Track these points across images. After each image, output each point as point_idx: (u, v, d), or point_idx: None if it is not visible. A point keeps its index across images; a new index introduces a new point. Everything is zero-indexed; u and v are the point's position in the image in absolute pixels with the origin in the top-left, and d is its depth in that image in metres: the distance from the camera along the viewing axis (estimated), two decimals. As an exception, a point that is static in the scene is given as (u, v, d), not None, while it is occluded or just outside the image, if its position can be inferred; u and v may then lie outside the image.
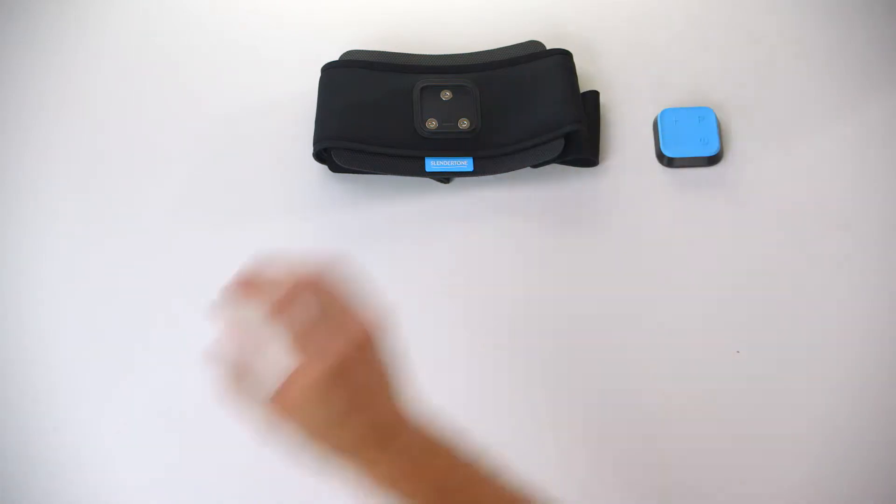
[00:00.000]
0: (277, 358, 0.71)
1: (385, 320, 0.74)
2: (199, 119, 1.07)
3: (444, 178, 1.04)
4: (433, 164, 1.02)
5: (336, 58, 1.07)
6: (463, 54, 1.08)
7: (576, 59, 1.06)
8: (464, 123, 1.03)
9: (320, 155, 1.03)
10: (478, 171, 1.02)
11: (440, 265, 1.01)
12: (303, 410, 0.72)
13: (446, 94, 1.04)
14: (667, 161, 1.04)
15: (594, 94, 1.06)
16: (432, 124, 1.03)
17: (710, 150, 1.03)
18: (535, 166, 1.04)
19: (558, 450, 0.94)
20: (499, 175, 1.03)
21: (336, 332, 0.72)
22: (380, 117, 1.03)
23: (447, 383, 0.96)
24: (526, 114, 1.04)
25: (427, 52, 1.08)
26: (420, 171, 1.02)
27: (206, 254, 1.02)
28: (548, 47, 1.07)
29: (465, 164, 1.02)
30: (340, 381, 0.72)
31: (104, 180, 1.05)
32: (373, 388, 0.75)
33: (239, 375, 0.73)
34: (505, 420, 0.95)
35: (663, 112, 1.05)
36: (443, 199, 1.04)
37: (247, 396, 0.73)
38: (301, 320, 0.72)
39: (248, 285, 0.74)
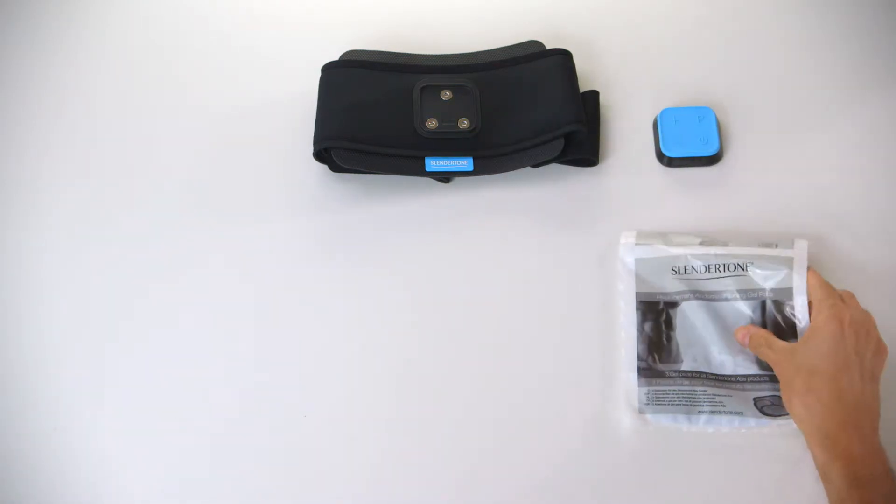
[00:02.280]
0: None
1: None
2: (200, 119, 1.07)
3: (444, 177, 1.04)
4: (433, 164, 1.02)
5: (336, 58, 1.07)
6: (463, 54, 1.08)
7: (576, 59, 1.06)
8: (464, 123, 1.03)
9: (320, 155, 1.03)
10: (478, 170, 1.02)
11: (440, 264, 1.01)
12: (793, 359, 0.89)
13: (446, 94, 1.04)
14: (667, 161, 1.04)
15: (594, 94, 1.06)
16: (432, 124, 1.03)
17: (710, 150, 1.03)
18: (535, 166, 1.04)
19: (563, 434, 0.94)
20: (499, 175, 1.03)
21: (870, 323, 0.91)
22: (380, 117, 1.03)
23: (449, 380, 0.97)
24: (526, 113, 1.03)
25: (427, 52, 1.08)
26: (420, 171, 1.02)
27: (207, 253, 1.02)
28: (548, 47, 1.07)
29: (465, 163, 1.02)
30: (852, 337, 0.88)
31: (104, 180, 1.05)
32: (867, 372, 0.87)
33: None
34: (506, 416, 0.95)
35: (663, 112, 1.05)
36: (443, 199, 1.04)
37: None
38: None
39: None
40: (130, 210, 1.04)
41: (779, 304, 0.95)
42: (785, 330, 0.95)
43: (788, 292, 0.95)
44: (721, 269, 0.97)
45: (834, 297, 0.90)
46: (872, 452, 0.84)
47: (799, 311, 0.95)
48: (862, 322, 0.89)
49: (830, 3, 1.10)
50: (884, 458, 0.84)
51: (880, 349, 0.89)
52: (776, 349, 0.91)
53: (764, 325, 0.95)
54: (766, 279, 0.96)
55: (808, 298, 0.93)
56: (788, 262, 0.96)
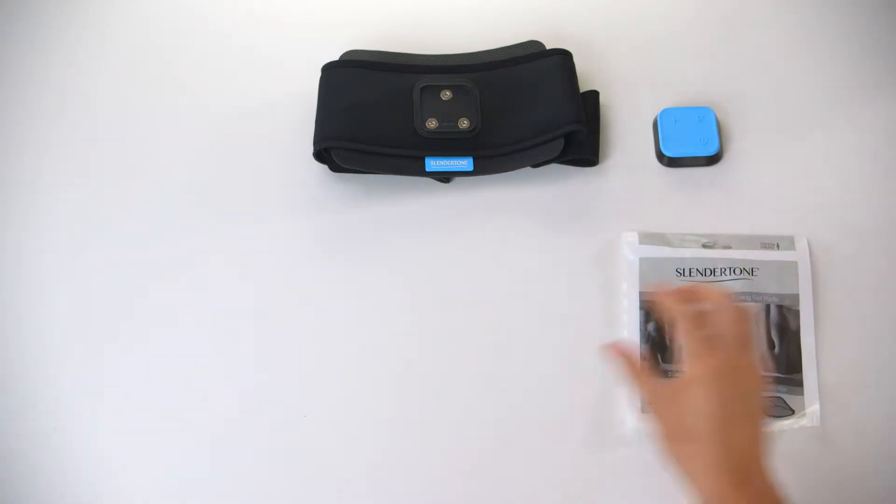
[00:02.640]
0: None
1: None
2: (200, 119, 1.07)
3: (444, 178, 1.04)
4: (433, 164, 1.02)
5: (336, 58, 1.07)
6: (463, 54, 1.08)
7: (576, 59, 1.06)
8: (464, 123, 1.03)
9: (320, 155, 1.03)
10: (478, 170, 1.02)
11: (440, 264, 1.01)
12: (664, 400, 0.80)
13: (446, 94, 1.04)
14: (667, 161, 1.04)
15: (594, 94, 1.06)
16: (432, 124, 1.03)
17: (710, 150, 1.03)
18: (535, 166, 1.04)
19: (565, 434, 0.94)
20: (499, 175, 1.03)
21: (738, 349, 0.79)
22: (380, 117, 1.03)
23: (449, 380, 0.96)
24: (526, 113, 1.03)
25: (427, 52, 1.08)
26: (420, 171, 1.02)
27: (207, 253, 1.01)
28: (548, 47, 1.07)
29: (465, 163, 1.02)
30: (725, 384, 0.78)
31: (104, 180, 1.05)
32: (739, 424, 0.78)
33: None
34: (506, 416, 0.95)
35: (663, 112, 1.05)
36: (443, 199, 1.03)
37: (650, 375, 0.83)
38: (714, 330, 0.80)
39: (688, 291, 0.84)
40: (130, 210, 1.03)
41: (783, 309, 0.96)
42: (789, 335, 0.95)
43: (794, 298, 0.96)
44: (727, 272, 0.97)
45: (694, 339, 0.80)
46: (765, 497, 0.78)
47: (804, 317, 0.96)
48: (729, 356, 0.79)
49: (830, 3, 1.11)
50: (775, 494, 0.78)
51: (751, 377, 0.80)
52: (651, 391, 0.83)
53: (768, 329, 0.96)
54: (771, 284, 0.97)
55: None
56: (794, 267, 0.97)
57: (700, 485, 0.77)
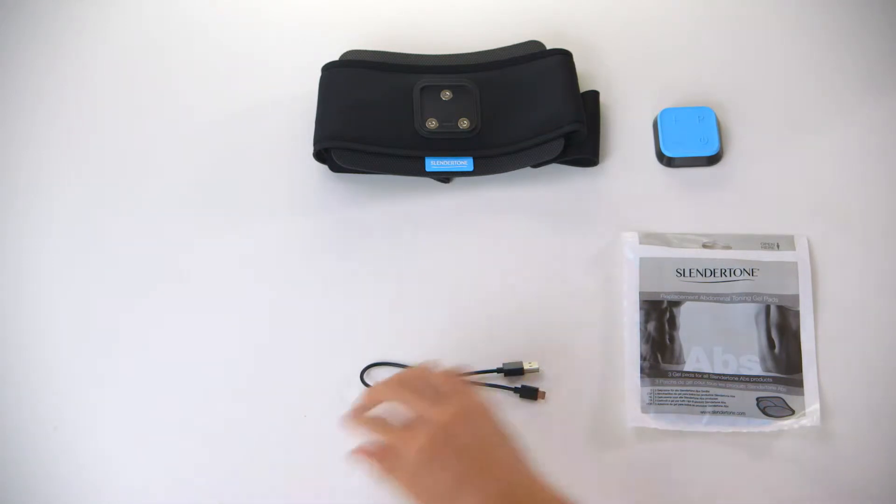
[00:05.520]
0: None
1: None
2: (200, 119, 1.07)
3: (444, 178, 1.04)
4: (433, 164, 1.02)
5: (336, 58, 1.07)
6: (463, 54, 1.08)
7: (576, 59, 1.06)
8: (464, 123, 1.03)
9: (320, 155, 1.03)
10: (478, 170, 1.02)
11: (440, 265, 1.01)
12: (411, 479, 0.78)
13: (446, 94, 1.04)
14: (667, 161, 1.04)
15: (594, 94, 1.06)
16: (432, 124, 1.03)
17: (710, 150, 1.03)
18: (535, 166, 1.04)
19: (565, 434, 0.94)
20: (499, 175, 1.03)
21: (441, 405, 0.79)
22: (380, 117, 1.03)
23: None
24: (526, 113, 1.03)
25: (427, 52, 1.08)
26: (420, 171, 1.02)
27: (207, 253, 1.02)
28: (548, 47, 1.07)
29: (465, 163, 1.02)
30: (444, 450, 0.77)
31: (104, 180, 1.05)
32: (487, 456, 0.78)
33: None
34: (510, 416, 0.95)
35: (663, 112, 1.05)
36: (443, 199, 1.03)
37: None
38: (419, 402, 0.80)
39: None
40: (131, 211, 1.04)
41: (783, 309, 0.96)
42: (789, 335, 0.95)
43: (794, 298, 0.96)
44: (727, 273, 0.97)
45: (417, 403, 0.81)
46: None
47: (804, 317, 0.96)
48: (457, 405, 0.80)
49: (831, 3, 1.11)
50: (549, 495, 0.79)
51: (481, 413, 0.81)
52: (394, 472, 0.81)
53: (768, 329, 0.96)
54: (771, 284, 0.97)
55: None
56: (793, 268, 0.97)
57: None
